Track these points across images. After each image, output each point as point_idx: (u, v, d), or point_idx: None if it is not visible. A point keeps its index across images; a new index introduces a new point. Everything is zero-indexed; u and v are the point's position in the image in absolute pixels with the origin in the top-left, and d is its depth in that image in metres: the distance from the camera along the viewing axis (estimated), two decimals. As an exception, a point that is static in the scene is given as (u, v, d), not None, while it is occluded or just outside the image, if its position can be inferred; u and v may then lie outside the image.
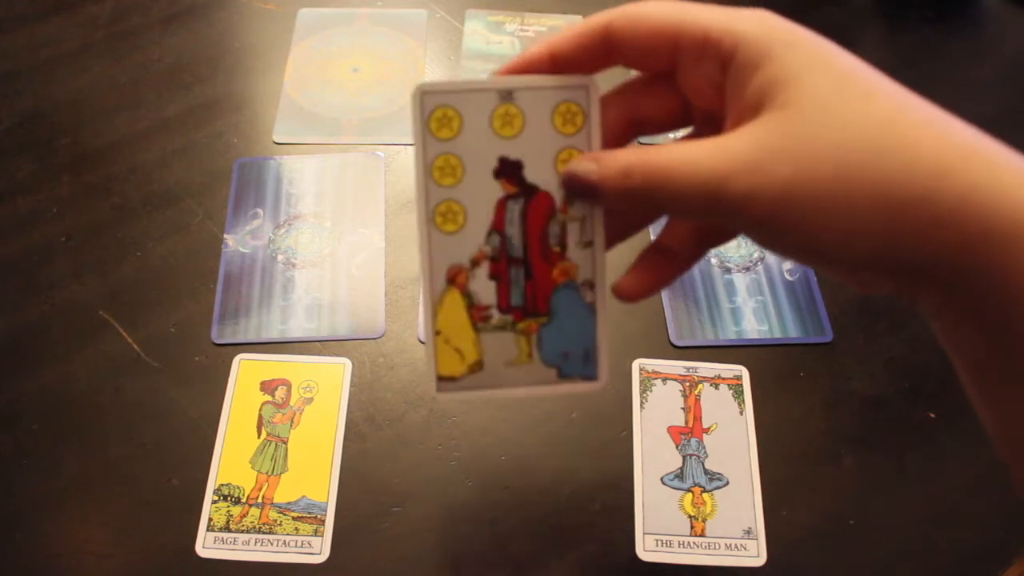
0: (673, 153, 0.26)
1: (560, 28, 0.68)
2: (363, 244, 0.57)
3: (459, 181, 0.31)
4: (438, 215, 0.31)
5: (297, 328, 0.53)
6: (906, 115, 0.24)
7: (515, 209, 0.31)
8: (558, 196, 0.31)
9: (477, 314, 0.32)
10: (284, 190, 0.59)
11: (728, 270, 0.56)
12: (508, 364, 0.32)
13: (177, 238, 0.57)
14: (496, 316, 0.32)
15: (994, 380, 0.26)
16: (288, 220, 0.58)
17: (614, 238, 0.33)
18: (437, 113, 0.30)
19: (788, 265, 0.57)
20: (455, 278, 0.32)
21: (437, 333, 0.32)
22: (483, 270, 0.32)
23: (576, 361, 0.33)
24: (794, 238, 0.25)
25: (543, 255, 0.32)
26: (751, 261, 0.57)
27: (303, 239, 0.57)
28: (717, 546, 0.46)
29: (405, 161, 0.61)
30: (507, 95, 0.30)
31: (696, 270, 0.56)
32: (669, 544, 0.46)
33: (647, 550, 0.46)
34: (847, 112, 0.25)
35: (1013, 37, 0.72)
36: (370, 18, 0.71)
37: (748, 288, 0.55)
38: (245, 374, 0.51)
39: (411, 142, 0.62)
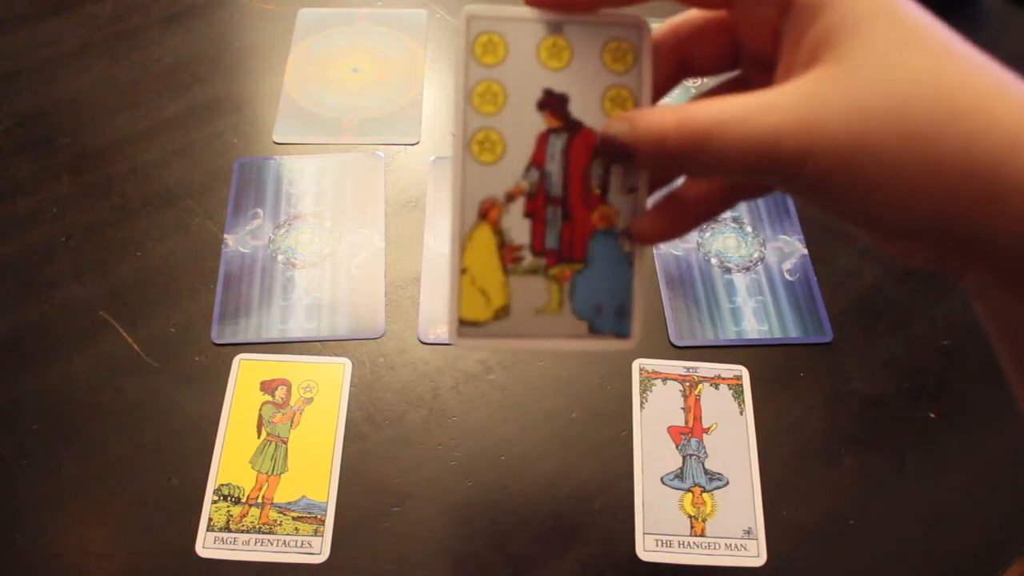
0: (718, 110, 0.24)
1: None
2: (363, 244, 0.57)
3: (500, 110, 0.29)
4: (475, 143, 0.29)
5: (297, 328, 0.53)
6: (981, 76, 0.23)
7: (557, 144, 0.29)
8: None
9: (508, 254, 0.30)
10: (284, 190, 0.59)
11: (728, 270, 0.56)
12: (537, 313, 0.30)
13: (177, 238, 0.57)
14: (528, 258, 0.30)
15: None
16: (288, 220, 0.58)
17: (658, 183, 0.31)
18: (482, 38, 0.29)
19: (788, 265, 0.57)
20: (488, 212, 0.29)
21: (463, 271, 0.30)
22: (518, 206, 0.29)
23: (609, 316, 0.31)
24: (848, 201, 0.24)
25: (583, 197, 0.30)
26: (751, 261, 0.57)
27: (303, 239, 0.57)
28: (717, 546, 0.46)
29: (405, 161, 0.61)
30: (556, 27, 0.29)
31: (696, 270, 0.56)
32: (669, 544, 0.46)
33: (647, 550, 0.46)
34: (916, 69, 0.23)
35: (1013, 37, 0.72)
36: (370, 18, 0.70)
37: (748, 288, 0.55)
38: (245, 374, 0.51)
39: (410, 142, 0.62)
